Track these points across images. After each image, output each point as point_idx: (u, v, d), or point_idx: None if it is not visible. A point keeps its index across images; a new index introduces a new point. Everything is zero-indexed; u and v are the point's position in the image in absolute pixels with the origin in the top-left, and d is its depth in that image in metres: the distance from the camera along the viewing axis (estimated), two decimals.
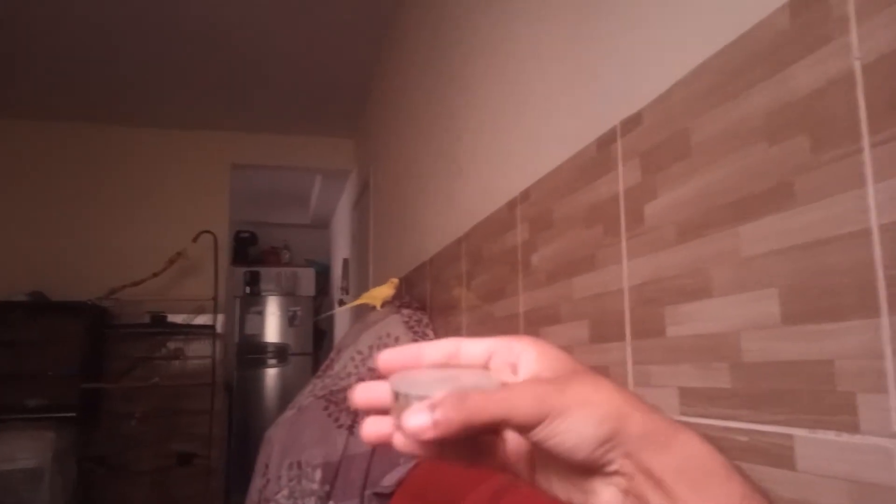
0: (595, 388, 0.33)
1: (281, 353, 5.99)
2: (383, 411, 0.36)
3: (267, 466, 1.71)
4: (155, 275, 3.93)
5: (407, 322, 2.07)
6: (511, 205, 1.45)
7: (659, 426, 0.32)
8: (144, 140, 4.36)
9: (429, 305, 2.19)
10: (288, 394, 4.92)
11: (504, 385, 0.34)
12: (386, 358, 0.38)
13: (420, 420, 0.31)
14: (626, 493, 0.33)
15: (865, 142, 0.57)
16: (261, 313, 6.09)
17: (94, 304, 3.82)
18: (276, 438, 1.76)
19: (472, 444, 0.36)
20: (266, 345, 6.00)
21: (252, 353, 5.90)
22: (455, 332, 1.84)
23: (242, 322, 6.00)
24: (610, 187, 1.01)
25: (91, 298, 3.80)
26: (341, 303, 5.26)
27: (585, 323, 1.08)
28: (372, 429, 0.36)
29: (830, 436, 0.60)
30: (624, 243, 0.97)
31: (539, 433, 0.31)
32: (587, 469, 0.33)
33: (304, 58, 3.48)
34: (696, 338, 0.80)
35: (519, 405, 0.31)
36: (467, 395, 0.31)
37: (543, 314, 1.25)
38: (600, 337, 1.03)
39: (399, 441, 0.34)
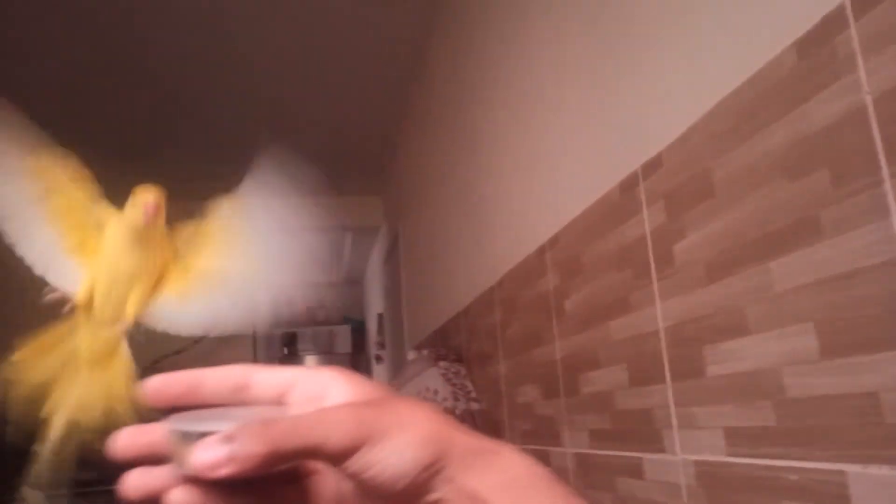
0: (412, 410, 0.30)
1: None
2: (156, 462, 0.30)
3: None
4: (196, 342, 4.00)
5: (445, 374, 2.07)
6: (540, 251, 1.47)
7: (481, 445, 0.30)
8: (179, 210, 4.51)
9: (465, 356, 2.19)
10: None
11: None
12: (155, 386, 0.31)
13: (213, 454, 0.25)
14: None
15: (885, 173, 0.58)
16: None
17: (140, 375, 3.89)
18: None
19: (276, 495, 0.31)
20: None
21: None
22: (493, 383, 1.83)
23: None
24: (636, 230, 1.02)
25: (136, 370, 3.87)
26: (378, 359, 5.27)
27: (624, 366, 1.08)
28: (137, 482, 0.29)
29: (885, 470, 0.59)
30: (655, 284, 0.97)
31: (357, 461, 0.27)
32: (406, 501, 0.29)
33: (330, 120, 3.60)
34: (736, 376, 0.79)
35: (335, 429, 0.27)
36: (272, 421, 0.27)
37: (581, 359, 1.25)
38: (640, 380, 1.03)
39: (177, 497, 0.27)
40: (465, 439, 0.30)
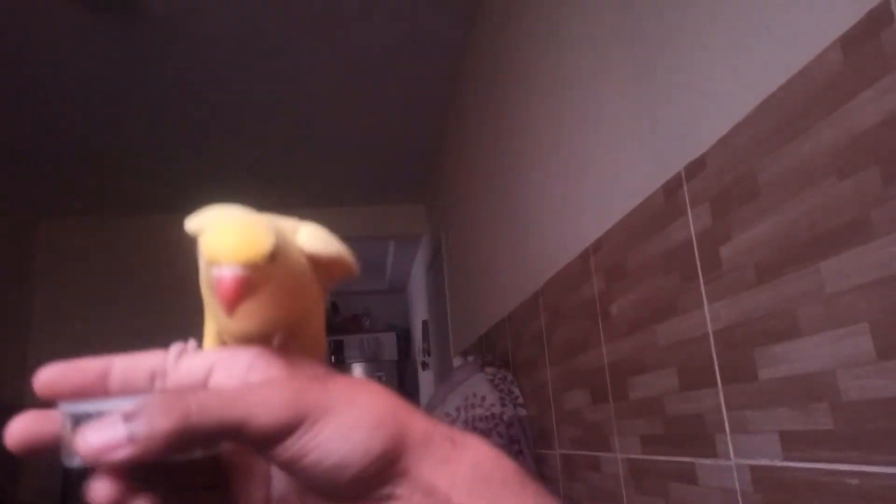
0: (361, 386, 0.25)
1: None
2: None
3: None
4: None
5: (492, 380, 2.07)
6: (584, 256, 1.46)
7: (443, 431, 0.25)
8: None
9: (511, 362, 2.19)
10: None
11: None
12: (49, 376, 0.26)
13: (107, 435, 0.20)
14: None
15: None
16: None
17: None
18: None
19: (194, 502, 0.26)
20: None
21: None
22: (540, 389, 1.83)
23: None
24: (681, 233, 1.02)
25: None
26: (424, 365, 5.30)
27: (673, 371, 1.07)
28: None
29: None
30: (703, 288, 0.96)
31: (293, 445, 0.22)
32: (351, 499, 0.23)
33: (372, 129, 3.65)
34: (790, 379, 0.78)
35: (263, 403, 0.22)
36: (183, 394, 0.22)
37: (629, 364, 1.24)
38: (690, 384, 1.02)
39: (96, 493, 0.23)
40: (424, 425, 0.25)
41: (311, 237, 0.33)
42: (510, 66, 2.12)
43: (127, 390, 0.26)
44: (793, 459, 0.78)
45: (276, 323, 0.29)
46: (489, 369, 2.14)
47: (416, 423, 0.25)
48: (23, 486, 3.94)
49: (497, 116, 2.34)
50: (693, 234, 0.98)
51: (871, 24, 0.63)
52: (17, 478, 3.93)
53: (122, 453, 0.20)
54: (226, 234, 0.27)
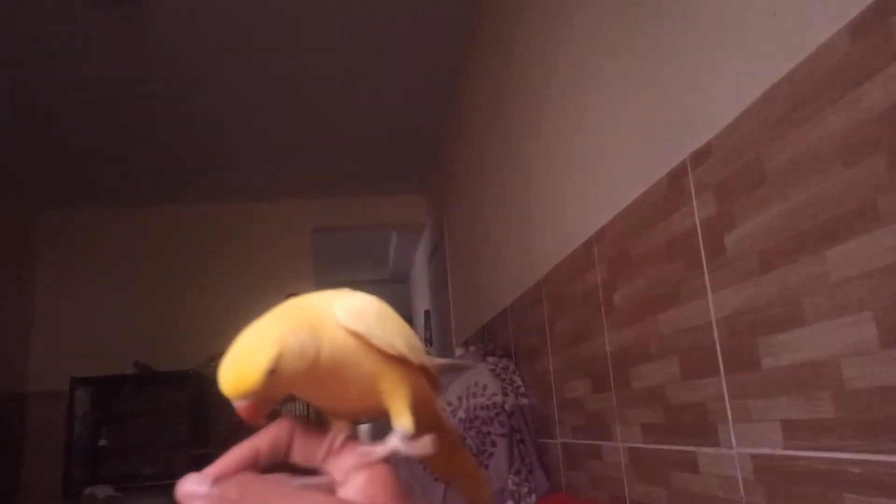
0: None
1: None
2: None
3: None
4: None
5: (493, 370, 2.07)
6: (587, 245, 1.46)
7: None
8: (232, 214, 4.64)
9: (513, 352, 2.19)
10: None
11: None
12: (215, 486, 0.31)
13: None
14: None
15: None
16: None
17: (196, 372, 4.02)
18: None
19: None
20: None
21: None
22: (542, 378, 1.83)
23: None
24: (686, 221, 1.01)
25: (193, 367, 4.01)
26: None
27: (675, 359, 1.07)
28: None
29: None
30: (707, 276, 0.96)
31: None
32: None
33: (375, 120, 3.64)
34: (793, 368, 0.78)
35: None
36: None
37: (631, 353, 1.24)
38: (693, 373, 1.02)
39: None
40: None
41: (343, 311, 0.34)
42: (512, 57, 2.11)
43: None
44: (794, 448, 0.78)
45: (346, 399, 0.34)
46: (491, 359, 2.14)
47: None
48: (25, 471, 3.96)
49: (500, 105, 2.33)
50: (698, 223, 0.98)
51: (880, 9, 0.63)
52: (19, 463, 3.95)
53: None
54: (224, 370, 0.31)
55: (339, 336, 0.33)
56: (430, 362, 0.40)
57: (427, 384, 0.39)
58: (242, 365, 0.30)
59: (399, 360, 0.35)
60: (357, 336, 0.33)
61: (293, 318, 0.33)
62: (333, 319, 0.33)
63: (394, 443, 0.34)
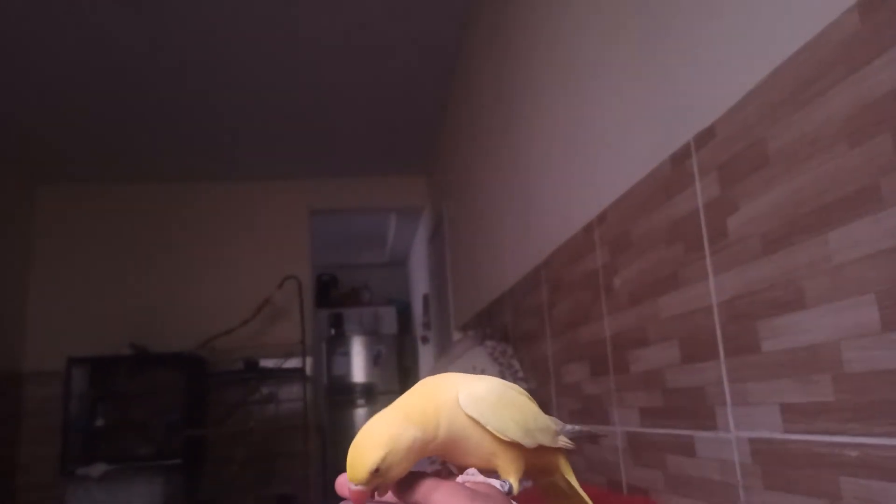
0: None
1: (368, 392, 6.09)
2: None
3: None
4: (245, 322, 4.11)
5: (491, 354, 2.08)
6: (588, 228, 1.45)
7: None
8: (227, 194, 4.61)
9: (512, 335, 2.19)
10: None
11: None
12: None
13: None
14: None
15: None
16: (346, 354, 6.23)
17: (192, 353, 4.02)
18: None
19: None
20: (353, 385, 6.12)
21: (340, 393, 6.03)
22: (540, 362, 1.83)
23: (330, 363, 6.16)
24: (688, 203, 1.01)
25: (188, 349, 4.01)
26: (424, 339, 5.32)
27: (675, 343, 1.07)
28: None
29: None
30: (708, 259, 0.95)
31: None
32: None
33: (374, 100, 3.62)
34: (793, 351, 0.77)
35: None
36: None
37: (630, 337, 1.24)
38: (692, 357, 1.01)
39: None
40: None
41: (465, 398, 0.42)
42: (514, 38, 2.09)
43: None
44: (793, 432, 0.78)
45: (469, 465, 0.42)
46: (489, 343, 2.14)
47: None
48: (22, 450, 3.98)
49: (501, 87, 2.31)
50: (700, 205, 0.97)
51: None
52: (17, 442, 3.97)
53: None
54: (349, 455, 0.39)
55: (460, 417, 0.41)
56: (554, 442, 0.49)
57: (554, 457, 0.50)
58: (354, 461, 0.38)
59: (514, 443, 0.43)
60: (475, 420, 0.41)
61: (411, 410, 0.40)
62: (457, 402, 0.41)
63: (495, 482, 0.41)
